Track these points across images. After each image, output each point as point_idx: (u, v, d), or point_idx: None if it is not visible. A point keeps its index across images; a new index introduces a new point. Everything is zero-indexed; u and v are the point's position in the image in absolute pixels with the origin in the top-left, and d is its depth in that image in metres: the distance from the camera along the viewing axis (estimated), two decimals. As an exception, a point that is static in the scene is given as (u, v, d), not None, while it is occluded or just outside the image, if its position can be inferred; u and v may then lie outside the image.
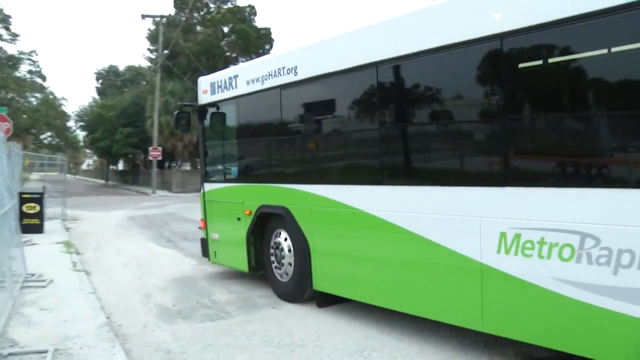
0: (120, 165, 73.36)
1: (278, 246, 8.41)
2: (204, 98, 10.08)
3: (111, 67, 79.88)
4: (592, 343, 4.60)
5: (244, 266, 9.11)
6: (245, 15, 48.94)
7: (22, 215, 14.89)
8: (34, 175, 50.69)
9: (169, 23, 45.00)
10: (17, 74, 52.23)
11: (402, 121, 6.53)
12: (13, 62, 51.17)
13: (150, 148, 40.57)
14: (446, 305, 5.87)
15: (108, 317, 7.18)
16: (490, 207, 5.27)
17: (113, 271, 10.80)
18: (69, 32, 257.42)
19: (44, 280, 9.08)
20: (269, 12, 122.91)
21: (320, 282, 7.62)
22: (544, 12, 4.73)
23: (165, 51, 40.45)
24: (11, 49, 52.39)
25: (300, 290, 7.99)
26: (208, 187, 10.11)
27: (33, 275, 9.46)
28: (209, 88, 9.94)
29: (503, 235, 5.14)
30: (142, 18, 43.10)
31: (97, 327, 6.56)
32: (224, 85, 9.53)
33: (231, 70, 9.66)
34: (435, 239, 5.81)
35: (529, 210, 4.95)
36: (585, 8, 4.42)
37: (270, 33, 49.38)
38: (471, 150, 5.81)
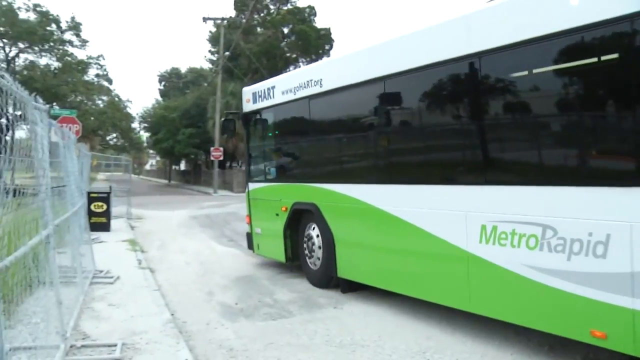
0: (183, 166, 74.81)
1: (310, 238, 9.42)
2: (247, 106, 11.27)
3: (173, 69, 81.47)
4: (552, 320, 5.42)
5: (281, 257, 10.13)
6: (305, 16, 49.16)
7: (90, 213, 15.26)
8: (100, 175, 52.23)
9: (230, 25, 45.58)
10: (86, 78, 53.89)
11: (403, 131, 7.73)
12: (82, 66, 52.83)
13: (212, 148, 41.18)
14: (440, 288, 6.77)
15: (172, 314, 7.30)
16: (473, 203, 6.18)
17: (176, 269, 10.99)
18: (134, 37, 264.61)
19: (111, 277, 9.31)
20: (329, 12, 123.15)
21: (343, 270, 8.58)
22: None
23: (227, 53, 40.99)
24: (81, 54, 54.04)
25: (328, 277, 8.95)
26: (252, 186, 11.28)
27: (101, 272, 9.71)
28: (251, 97, 11.12)
29: (484, 227, 6.00)
30: (204, 21, 43.80)
31: (162, 324, 6.68)
32: (263, 95, 10.69)
33: (269, 82, 10.66)
34: (431, 231, 6.72)
35: (503, 205, 5.84)
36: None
37: (330, 33, 49.48)
38: (458, 154, 6.81)
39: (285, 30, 49.57)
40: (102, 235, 14.99)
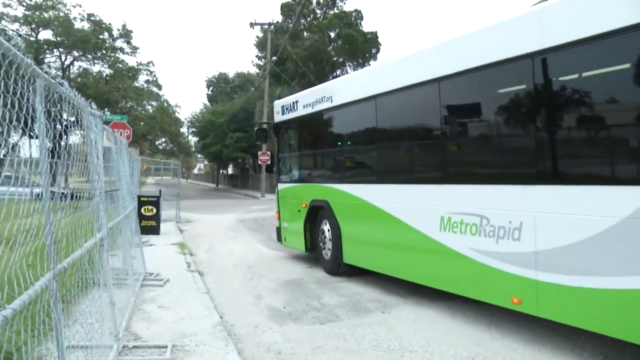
0: (230, 170, 75.57)
1: (323, 232, 11.00)
2: (277, 117, 13.06)
3: (221, 74, 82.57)
4: (487, 291, 6.88)
5: (302, 247, 11.81)
6: (351, 20, 49.15)
7: (141, 217, 15.47)
8: (150, 179, 53.05)
9: (277, 30, 45.90)
10: (136, 84, 55.04)
11: (384, 141, 9.23)
12: (133, 73, 53.98)
13: (260, 152, 41.38)
14: (415, 268, 8.30)
15: (221, 317, 7.37)
16: (434, 199, 7.73)
17: (225, 272, 11.10)
18: (183, 43, 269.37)
19: (161, 280, 9.47)
20: (376, 15, 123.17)
21: (347, 257, 10.17)
22: None
23: (274, 57, 41.26)
24: (131, 61, 55.21)
25: (336, 264, 10.49)
26: (280, 186, 13.02)
27: (151, 274, 9.87)
28: (280, 110, 12.87)
29: (442, 218, 7.47)
30: (251, 26, 44.23)
31: (212, 326, 6.75)
32: (289, 108, 12.38)
33: (294, 97, 12.37)
34: (407, 221, 8.27)
35: (454, 200, 7.33)
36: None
37: (377, 37, 49.33)
38: (421, 158, 8.70)
39: (332, 35, 49.66)
40: (152, 238, 15.25)
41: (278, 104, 13.12)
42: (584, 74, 5.76)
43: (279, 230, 13.00)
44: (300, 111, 11.78)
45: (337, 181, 10.47)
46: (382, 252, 9.16)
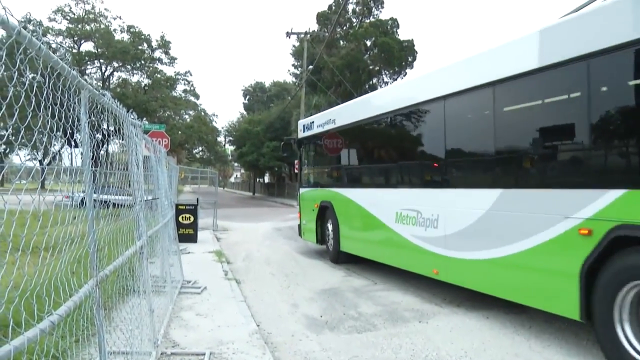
0: (267, 178, 75.94)
1: (327, 228, 13.69)
2: (300, 134, 15.75)
3: (257, 83, 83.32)
4: (419, 266, 9.54)
5: (314, 240, 14.54)
6: (387, 28, 49.01)
7: (179, 225, 15.64)
8: (187, 188, 53.60)
9: (313, 39, 46.00)
10: (174, 94, 55.89)
11: (366, 155, 12.44)
12: (170, 82, 54.86)
13: (296, 161, 41.41)
14: (383, 252, 11.01)
15: (258, 325, 7.41)
16: (393, 199, 10.42)
17: (262, 280, 11.14)
18: (220, 53, 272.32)
19: (198, 287, 9.55)
20: (412, 24, 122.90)
21: (343, 246, 12.82)
22: None
23: (310, 66, 41.39)
24: (169, 71, 56.10)
25: (336, 253, 13.13)
26: (301, 190, 15.93)
27: (189, 282, 9.98)
28: (302, 128, 15.63)
29: (397, 213, 10.12)
30: (287, 36, 44.45)
31: (249, 334, 6.78)
32: (307, 127, 15.11)
33: (312, 117, 15.19)
34: (377, 215, 11.03)
35: (404, 200, 9.98)
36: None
37: (413, 45, 49.10)
38: (383, 169, 11.63)
39: (368, 43, 49.59)
40: (189, 246, 15.38)
41: (300, 123, 16.01)
42: (464, 117, 8.58)
43: (299, 226, 15.94)
44: (315, 130, 14.45)
45: (337, 186, 13.33)
46: (363, 240, 11.93)
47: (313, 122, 14.65)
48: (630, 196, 5.46)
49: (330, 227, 13.43)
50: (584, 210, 5.97)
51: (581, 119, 6.18)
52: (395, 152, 10.96)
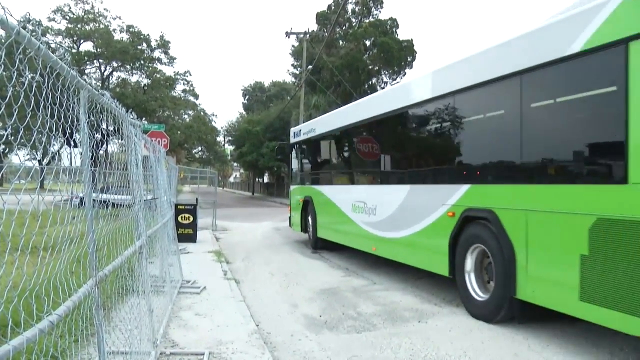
0: (266, 178, 75.93)
1: (309, 219, 16.29)
2: (291, 140, 18.55)
3: (257, 83, 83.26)
4: (365, 245, 12.05)
5: (300, 230, 17.31)
6: (387, 29, 49.04)
7: (178, 225, 15.58)
8: (187, 188, 53.53)
9: (313, 39, 45.99)
10: (174, 94, 55.85)
11: (333, 159, 15.40)
12: (170, 83, 54.82)
13: (293, 163, 41.50)
14: (346, 237, 13.40)
15: (258, 325, 7.40)
16: (350, 194, 13.07)
17: (261, 281, 11.15)
18: (220, 53, 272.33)
19: (198, 287, 9.54)
20: (412, 24, 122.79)
21: (320, 233, 15.41)
22: None
23: (309, 67, 41.37)
24: (169, 71, 56.02)
25: (315, 240, 15.82)
26: (292, 187, 18.97)
27: (189, 282, 9.97)
28: (293, 134, 18.50)
29: (352, 205, 12.60)
30: (287, 36, 44.44)
31: (248, 335, 6.78)
32: (296, 134, 17.94)
33: (302, 125, 18.30)
34: (340, 207, 13.54)
35: (356, 194, 12.59)
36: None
37: (413, 45, 49.14)
38: (343, 170, 14.51)
39: (368, 43, 49.61)
40: (189, 246, 15.35)
41: (292, 130, 18.91)
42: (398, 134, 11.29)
43: (290, 218, 18.85)
44: (302, 137, 17.26)
45: (315, 184, 16.16)
46: (333, 227, 14.42)
47: (301, 130, 17.56)
48: (473, 189, 8.11)
49: (310, 218, 16.17)
50: (450, 199, 8.57)
51: (448, 143, 9.14)
52: (352, 157, 14.02)
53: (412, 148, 10.64)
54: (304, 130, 17.01)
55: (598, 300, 5.68)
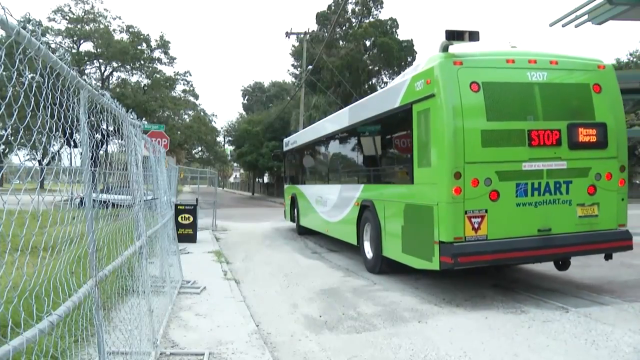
0: (266, 178, 75.89)
1: (295, 211, 20.48)
2: (284, 148, 22.99)
3: (257, 83, 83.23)
4: (323, 229, 16.40)
5: (290, 220, 21.66)
6: (387, 28, 49.03)
7: (178, 225, 15.59)
8: (186, 188, 53.47)
9: (312, 39, 45.99)
10: (173, 94, 55.78)
11: (305, 166, 19.64)
12: (170, 82, 54.76)
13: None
14: (314, 223, 17.45)
15: (257, 325, 7.40)
16: (316, 191, 17.44)
17: (261, 281, 11.13)
18: (219, 53, 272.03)
19: (198, 287, 9.54)
20: (411, 24, 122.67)
21: (302, 222, 19.31)
22: None
23: (309, 67, 41.34)
24: (169, 71, 55.91)
25: (300, 228, 19.65)
26: (285, 186, 22.98)
27: (188, 282, 9.97)
28: (285, 143, 22.96)
29: (316, 199, 17.11)
30: (287, 36, 44.46)
31: (248, 334, 6.78)
32: (286, 143, 22.55)
33: (293, 135, 22.45)
34: (310, 201, 17.92)
35: (318, 191, 17.17)
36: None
37: (413, 45, 49.15)
38: (313, 174, 19.09)
39: (368, 43, 49.62)
40: (188, 246, 15.34)
41: (285, 139, 23.47)
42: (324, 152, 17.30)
43: (285, 211, 22.80)
44: (290, 146, 21.59)
45: (298, 183, 20.23)
46: (308, 217, 18.34)
47: (289, 140, 22.17)
48: (365, 188, 12.43)
49: (295, 210, 20.38)
50: (356, 194, 12.81)
51: (356, 155, 13.81)
52: (316, 163, 18.51)
53: (341, 158, 15.27)
54: (291, 140, 21.87)
55: (408, 251, 9.68)
